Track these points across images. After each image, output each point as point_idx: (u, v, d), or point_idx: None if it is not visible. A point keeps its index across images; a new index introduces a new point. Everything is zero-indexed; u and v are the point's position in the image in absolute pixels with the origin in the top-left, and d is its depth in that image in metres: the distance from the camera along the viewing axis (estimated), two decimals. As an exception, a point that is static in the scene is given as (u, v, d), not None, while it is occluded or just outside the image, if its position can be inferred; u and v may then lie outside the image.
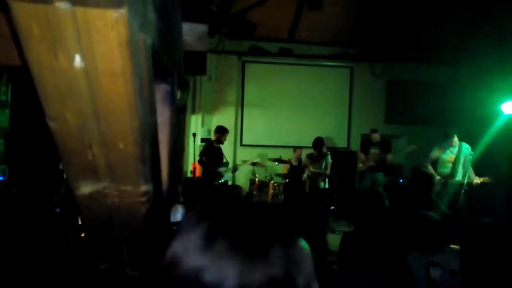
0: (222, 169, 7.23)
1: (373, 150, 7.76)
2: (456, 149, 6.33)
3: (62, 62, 0.77)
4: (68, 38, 0.75)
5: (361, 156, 7.92)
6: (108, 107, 0.85)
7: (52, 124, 0.88)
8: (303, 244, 0.67)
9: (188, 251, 0.61)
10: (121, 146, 0.91)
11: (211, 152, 7.13)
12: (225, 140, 7.32)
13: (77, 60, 0.77)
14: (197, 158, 7.26)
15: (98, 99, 0.83)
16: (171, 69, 1.44)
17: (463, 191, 5.91)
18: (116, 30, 0.74)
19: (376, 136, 7.84)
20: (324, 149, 7.46)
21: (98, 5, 0.72)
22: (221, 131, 7.26)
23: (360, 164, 7.91)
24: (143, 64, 0.88)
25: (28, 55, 0.79)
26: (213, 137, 7.43)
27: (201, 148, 7.49)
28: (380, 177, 7.68)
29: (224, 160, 7.44)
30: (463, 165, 6.26)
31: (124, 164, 0.96)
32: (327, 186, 7.53)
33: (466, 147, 6.34)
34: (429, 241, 2.73)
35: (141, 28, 0.83)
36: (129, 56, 0.78)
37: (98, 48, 0.76)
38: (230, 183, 7.77)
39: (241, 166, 8.14)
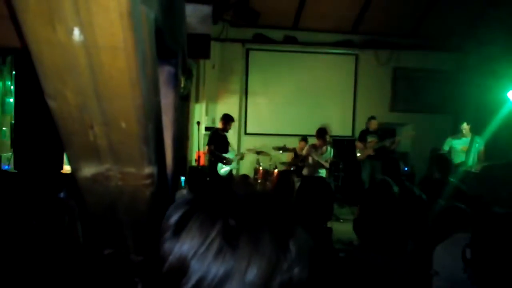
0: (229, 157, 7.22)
1: (370, 139, 7.69)
2: (469, 139, 6.46)
3: (60, 35, 0.74)
4: (66, 9, 0.71)
5: (358, 145, 7.85)
6: (109, 84, 0.81)
7: (51, 103, 0.84)
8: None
9: (202, 255, 0.56)
10: (124, 125, 0.88)
11: (217, 140, 7.11)
12: (230, 128, 7.28)
13: (76, 33, 0.73)
14: (202, 146, 7.23)
15: (98, 75, 0.79)
16: (175, 50, 1.39)
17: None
18: (116, 0, 0.70)
19: (373, 123, 7.77)
20: (328, 138, 7.40)
21: (97, -27, 0.68)
22: (226, 119, 7.22)
23: (359, 154, 7.84)
24: (146, 39, 0.84)
25: (25, 29, 0.76)
26: (218, 125, 7.40)
27: (207, 137, 7.46)
28: (379, 165, 7.64)
29: (230, 149, 7.41)
30: (476, 155, 6.47)
31: (127, 144, 0.92)
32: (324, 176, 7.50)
33: (479, 138, 6.50)
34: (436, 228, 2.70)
35: (143, 0, 0.79)
36: (130, 29, 0.74)
37: (97, 20, 0.72)
38: (234, 172, 7.75)
39: (247, 154, 8.10)
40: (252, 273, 0.55)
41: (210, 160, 7.22)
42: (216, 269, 0.55)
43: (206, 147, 7.11)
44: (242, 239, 0.57)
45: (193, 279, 0.56)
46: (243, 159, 8.10)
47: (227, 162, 7.09)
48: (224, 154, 7.12)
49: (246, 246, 0.56)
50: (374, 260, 1.88)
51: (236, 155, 7.49)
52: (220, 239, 0.56)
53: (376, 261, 1.88)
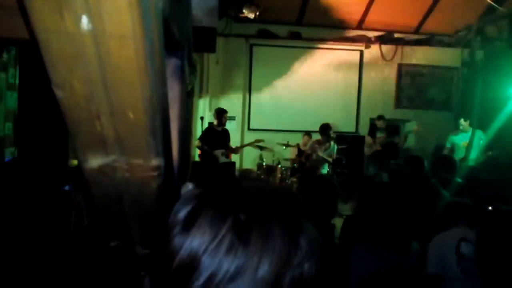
0: (218, 152, 7.11)
1: (380, 134, 7.76)
2: (469, 134, 6.45)
3: (68, 23, 0.73)
4: (74, -4, 0.70)
5: (369, 140, 7.92)
6: (117, 73, 0.80)
7: (58, 93, 0.84)
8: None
9: (213, 250, 0.56)
10: (131, 116, 0.87)
11: (209, 136, 7.02)
12: (225, 121, 7.17)
13: (84, 21, 0.72)
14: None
15: (106, 64, 0.78)
16: (181, 42, 1.38)
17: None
18: (125, -12, 0.69)
19: (380, 123, 7.86)
20: (332, 134, 7.43)
21: (105, -40, 0.67)
22: (217, 113, 7.10)
23: (367, 149, 7.91)
24: (154, 29, 0.83)
25: (32, 18, 0.75)
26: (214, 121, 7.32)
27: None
28: (387, 161, 7.66)
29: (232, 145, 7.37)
30: (479, 150, 6.41)
31: (134, 135, 0.91)
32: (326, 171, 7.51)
33: (479, 132, 6.42)
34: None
35: (151, -12, 0.78)
36: (139, 17, 0.73)
37: (106, 8, 0.71)
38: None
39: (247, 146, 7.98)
40: (263, 269, 0.54)
41: (200, 155, 7.17)
42: (228, 265, 0.55)
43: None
44: (253, 235, 0.56)
45: (204, 275, 0.55)
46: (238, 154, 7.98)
47: (215, 158, 7.02)
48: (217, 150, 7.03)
49: (257, 241, 0.55)
50: (380, 256, 1.88)
51: (222, 153, 7.32)
52: (231, 235, 0.56)
53: (382, 257, 1.88)
